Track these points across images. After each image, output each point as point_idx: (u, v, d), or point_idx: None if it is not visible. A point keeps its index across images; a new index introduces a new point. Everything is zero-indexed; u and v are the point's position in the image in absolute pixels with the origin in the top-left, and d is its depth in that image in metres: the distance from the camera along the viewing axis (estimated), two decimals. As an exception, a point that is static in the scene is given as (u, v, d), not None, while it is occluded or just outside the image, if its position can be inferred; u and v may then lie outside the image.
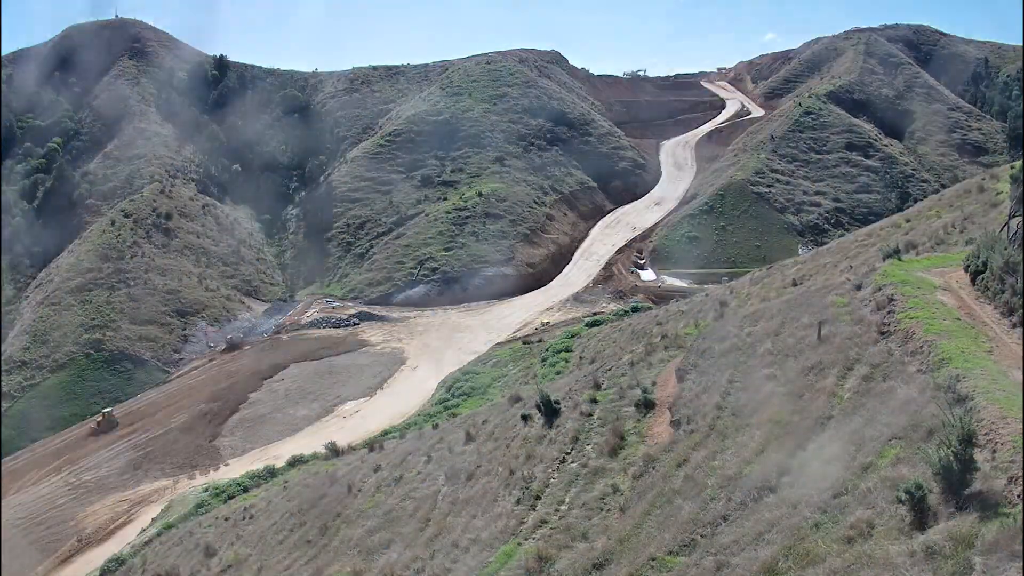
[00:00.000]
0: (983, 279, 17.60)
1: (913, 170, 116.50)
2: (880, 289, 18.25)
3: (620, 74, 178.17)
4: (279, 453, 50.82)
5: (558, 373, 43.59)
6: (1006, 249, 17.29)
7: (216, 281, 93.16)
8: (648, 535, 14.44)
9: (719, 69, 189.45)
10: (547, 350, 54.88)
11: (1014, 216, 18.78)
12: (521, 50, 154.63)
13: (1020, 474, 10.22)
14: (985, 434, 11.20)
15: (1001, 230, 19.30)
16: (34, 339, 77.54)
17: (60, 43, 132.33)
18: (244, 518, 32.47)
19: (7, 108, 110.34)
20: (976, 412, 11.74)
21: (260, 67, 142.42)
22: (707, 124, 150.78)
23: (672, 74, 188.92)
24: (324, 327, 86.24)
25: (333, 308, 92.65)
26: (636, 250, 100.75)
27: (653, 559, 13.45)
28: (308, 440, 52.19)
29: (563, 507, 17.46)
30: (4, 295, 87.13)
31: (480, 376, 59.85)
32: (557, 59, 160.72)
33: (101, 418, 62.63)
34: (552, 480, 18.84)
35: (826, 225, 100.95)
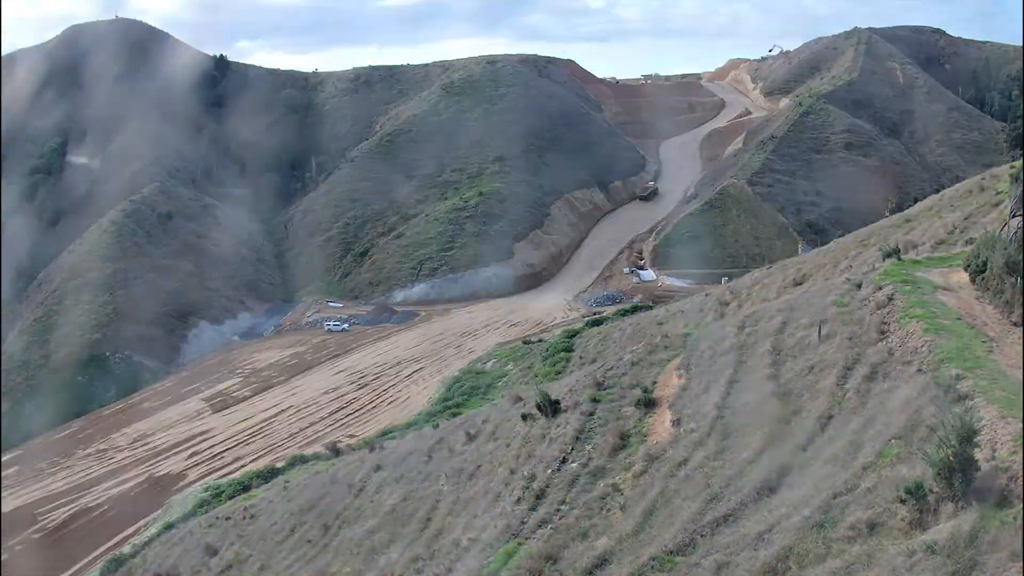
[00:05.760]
0: (983, 279, 17.61)
1: (913, 170, 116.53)
2: (880, 289, 18.28)
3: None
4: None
5: (559, 373, 43.61)
6: (1006, 249, 17.31)
7: (216, 281, 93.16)
8: (649, 535, 14.46)
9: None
10: (547, 350, 54.91)
11: (1014, 216, 18.78)
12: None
13: (1020, 473, 10.25)
14: (985, 433, 11.23)
15: (1001, 230, 19.30)
16: (34, 339, 77.52)
17: (61, 43, 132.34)
18: (245, 518, 32.48)
19: (7, 108, 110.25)
20: (976, 411, 11.77)
21: (260, 67, 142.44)
22: (707, 124, 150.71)
23: (672, 74, 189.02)
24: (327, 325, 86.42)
25: (333, 308, 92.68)
26: (636, 250, 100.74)
27: (654, 559, 13.47)
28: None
29: (564, 507, 17.48)
30: (4, 295, 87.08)
31: (481, 376, 59.90)
32: (557, 60, 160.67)
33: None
34: (553, 480, 18.85)
35: (826, 225, 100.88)
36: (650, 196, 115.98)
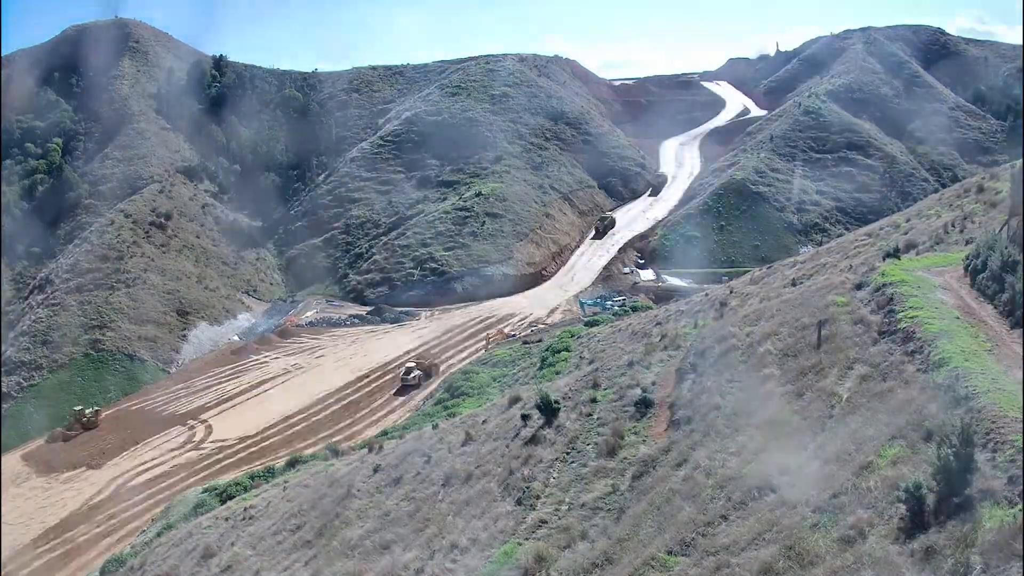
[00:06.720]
0: (983, 279, 17.58)
1: (913, 170, 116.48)
2: (880, 289, 18.23)
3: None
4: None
5: (557, 373, 43.51)
6: (1006, 249, 17.28)
7: (216, 281, 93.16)
8: (647, 535, 14.42)
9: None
10: (546, 350, 54.79)
11: (1014, 216, 18.77)
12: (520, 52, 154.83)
13: (1020, 474, 10.21)
14: (985, 434, 11.19)
15: (1001, 230, 19.28)
16: (34, 339, 77.51)
17: (60, 43, 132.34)
18: (243, 519, 32.41)
19: (7, 108, 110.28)
20: (976, 412, 11.73)
21: (260, 67, 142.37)
22: (707, 124, 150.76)
23: (673, 73, 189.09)
24: (324, 326, 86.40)
25: (333, 308, 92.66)
26: (636, 250, 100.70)
27: (652, 559, 13.44)
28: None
29: (562, 507, 17.45)
30: (4, 295, 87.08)
31: (479, 376, 59.80)
32: (557, 59, 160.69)
33: None
34: (551, 480, 18.82)
35: (826, 225, 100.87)
36: (606, 229, 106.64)
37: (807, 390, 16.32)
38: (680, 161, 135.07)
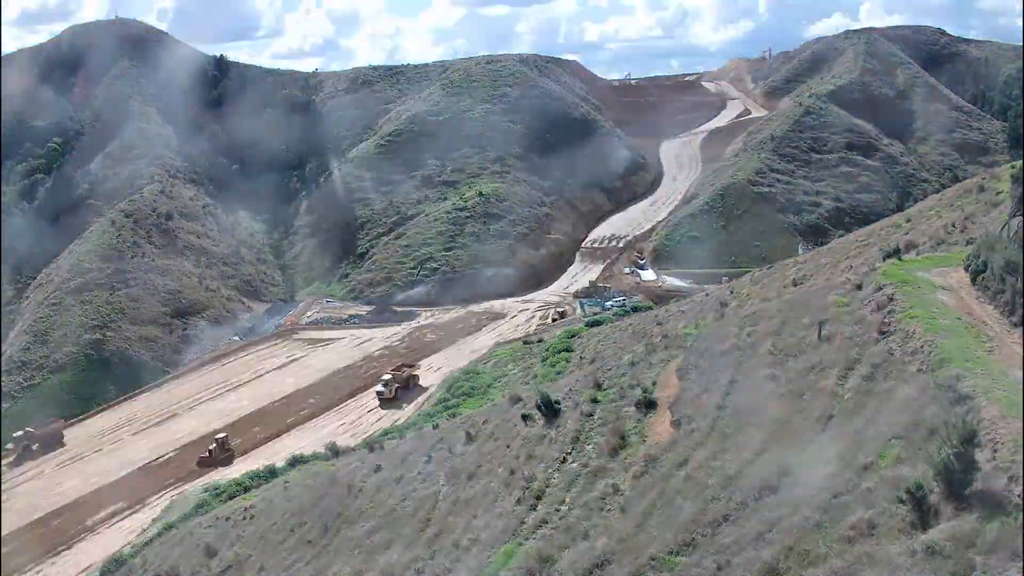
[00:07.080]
0: (983, 279, 17.61)
1: (913, 170, 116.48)
2: (880, 289, 18.26)
3: (623, 76, 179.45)
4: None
5: (558, 373, 43.55)
6: (1006, 249, 17.31)
7: (216, 281, 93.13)
8: (649, 535, 14.45)
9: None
10: (547, 350, 54.82)
11: (1014, 216, 18.80)
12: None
13: (1020, 474, 10.24)
14: (986, 434, 11.22)
15: (1001, 230, 19.32)
16: (34, 339, 77.50)
17: (60, 43, 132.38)
18: (244, 518, 32.44)
19: (7, 108, 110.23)
20: (977, 412, 11.76)
21: (260, 67, 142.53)
22: (708, 124, 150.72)
23: (673, 74, 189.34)
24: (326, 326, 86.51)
25: (334, 307, 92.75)
26: (636, 250, 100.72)
27: (654, 559, 13.47)
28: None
29: (564, 507, 17.49)
30: (4, 295, 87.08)
31: (480, 376, 59.83)
32: (557, 60, 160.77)
33: None
34: (553, 480, 18.86)
35: (826, 225, 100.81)
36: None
37: (808, 390, 16.35)
38: (680, 162, 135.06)
